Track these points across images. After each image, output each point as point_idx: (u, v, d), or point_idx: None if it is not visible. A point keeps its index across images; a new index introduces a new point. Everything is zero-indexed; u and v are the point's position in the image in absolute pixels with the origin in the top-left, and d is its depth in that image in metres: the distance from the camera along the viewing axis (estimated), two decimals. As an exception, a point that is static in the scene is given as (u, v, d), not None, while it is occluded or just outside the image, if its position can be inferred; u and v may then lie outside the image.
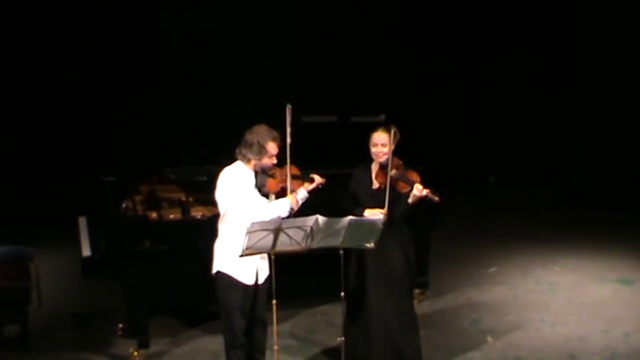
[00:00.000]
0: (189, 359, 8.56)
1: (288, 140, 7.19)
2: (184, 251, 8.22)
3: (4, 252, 8.90)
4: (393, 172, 7.34)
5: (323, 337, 9.00)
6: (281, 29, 15.59)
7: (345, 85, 16.09)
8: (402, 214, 7.44)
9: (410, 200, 7.29)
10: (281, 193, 7.29)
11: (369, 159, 7.59)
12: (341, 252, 7.15)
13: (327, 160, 8.46)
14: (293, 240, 6.79)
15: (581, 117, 15.48)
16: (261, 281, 7.21)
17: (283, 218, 7.11)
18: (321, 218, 6.92)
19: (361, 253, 7.51)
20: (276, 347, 7.13)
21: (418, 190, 7.23)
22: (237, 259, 6.95)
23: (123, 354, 8.52)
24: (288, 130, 7.20)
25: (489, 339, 8.87)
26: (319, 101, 16.01)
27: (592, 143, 15.31)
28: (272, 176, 7.23)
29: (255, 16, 15.29)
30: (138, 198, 9.03)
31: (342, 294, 7.31)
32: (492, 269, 11.36)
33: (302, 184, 7.37)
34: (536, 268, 11.40)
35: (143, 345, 8.35)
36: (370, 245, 7.13)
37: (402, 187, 7.34)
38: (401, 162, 7.46)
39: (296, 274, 7.37)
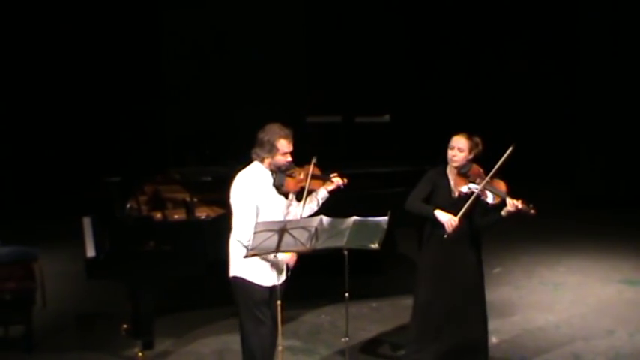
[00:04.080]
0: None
1: (307, 186, 7.17)
2: (189, 252, 8.22)
3: (9, 252, 8.90)
4: (478, 182, 7.18)
5: (327, 337, 9.00)
6: (286, 29, 15.59)
7: (351, 86, 16.09)
8: (490, 225, 7.37)
9: (504, 214, 7.14)
10: (300, 193, 7.26)
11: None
12: (345, 252, 7.15)
13: (332, 160, 8.42)
14: (297, 240, 6.77)
15: (586, 117, 15.46)
16: (279, 282, 7.13)
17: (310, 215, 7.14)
18: (325, 219, 6.91)
19: (434, 261, 7.47)
20: (280, 347, 7.12)
21: (512, 206, 7.04)
22: (254, 262, 6.93)
23: (127, 354, 8.53)
24: (309, 178, 7.18)
25: (494, 339, 8.85)
26: (324, 102, 16.02)
27: (597, 144, 15.29)
28: (291, 176, 7.19)
29: (260, 16, 15.28)
30: (142, 198, 9.04)
31: (347, 295, 7.30)
32: (497, 269, 11.36)
33: (322, 185, 7.35)
34: (541, 269, 11.40)
35: (148, 345, 8.35)
36: (375, 246, 7.12)
37: (493, 199, 7.20)
38: (481, 170, 7.31)
39: (300, 274, 7.35)
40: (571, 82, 15.89)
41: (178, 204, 8.86)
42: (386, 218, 7.15)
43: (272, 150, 7.03)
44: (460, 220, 7.18)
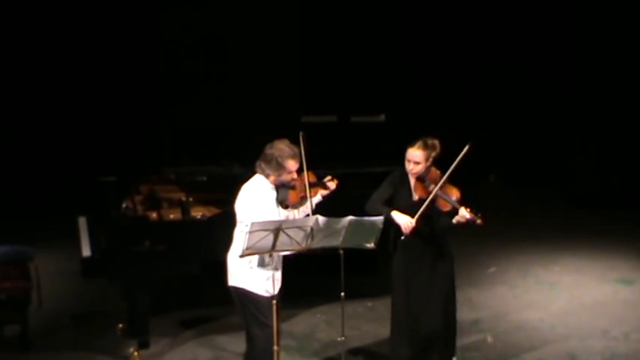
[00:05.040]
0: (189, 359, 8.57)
1: (305, 168, 7.13)
2: (184, 251, 8.21)
3: (5, 252, 8.90)
4: (432, 188, 7.24)
5: (323, 337, 9.01)
6: (281, 29, 15.59)
7: (346, 85, 16.09)
8: (442, 230, 7.39)
9: (454, 221, 7.19)
10: (299, 203, 7.26)
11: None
12: (341, 252, 7.15)
13: (327, 160, 8.42)
14: (293, 240, 6.76)
15: (582, 116, 15.49)
16: (275, 292, 7.12)
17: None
18: (321, 218, 6.90)
19: (405, 263, 7.49)
20: (275, 347, 7.11)
21: (462, 216, 7.09)
22: (253, 272, 6.92)
23: (123, 354, 8.52)
24: (304, 157, 7.12)
25: (489, 339, 8.88)
26: (319, 101, 16.03)
27: (593, 143, 15.32)
28: (293, 188, 7.18)
29: (255, 16, 15.28)
30: (138, 198, 9.03)
31: (342, 294, 7.31)
32: (492, 269, 11.37)
33: (318, 191, 7.36)
34: (536, 268, 11.40)
35: (143, 345, 8.34)
36: (370, 245, 7.13)
37: (444, 206, 7.21)
38: (439, 173, 7.34)
39: (296, 274, 7.35)
40: (568, 81, 15.91)
41: (174, 204, 8.85)
42: (382, 218, 7.16)
43: (279, 169, 6.95)
44: (417, 220, 7.22)
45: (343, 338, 7.54)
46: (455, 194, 7.26)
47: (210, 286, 7.69)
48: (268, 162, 6.98)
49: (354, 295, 8.31)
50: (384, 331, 9.09)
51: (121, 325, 8.93)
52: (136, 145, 14.84)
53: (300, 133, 7.09)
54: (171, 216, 8.61)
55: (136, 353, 8.32)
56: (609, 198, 15.03)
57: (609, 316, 9.60)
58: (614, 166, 15.23)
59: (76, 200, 9.91)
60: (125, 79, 15.14)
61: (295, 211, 7.27)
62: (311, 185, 7.23)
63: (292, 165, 6.98)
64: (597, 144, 15.28)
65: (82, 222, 9.01)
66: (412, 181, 7.44)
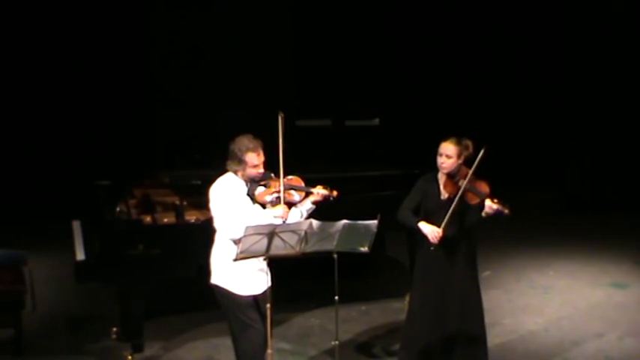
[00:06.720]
0: (182, 363, 8.58)
1: (281, 149, 7.12)
2: (178, 255, 8.22)
3: (-2, 256, 8.90)
4: (461, 183, 7.24)
5: (317, 340, 9.00)
6: (275, 33, 15.59)
7: (340, 89, 16.08)
8: (472, 225, 7.37)
9: (484, 214, 7.17)
10: (277, 202, 7.22)
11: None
12: (335, 256, 7.15)
13: (321, 164, 8.43)
14: (287, 244, 6.78)
15: (575, 120, 15.49)
16: (259, 292, 7.13)
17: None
18: (315, 222, 6.91)
19: (426, 265, 7.49)
20: (269, 351, 7.12)
21: (489, 207, 7.10)
22: (232, 271, 6.94)
23: (117, 358, 8.51)
24: (281, 138, 7.11)
25: (483, 343, 8.87)
26: (314, 105, 16.01)
27: (586, 147, 15.31)
28: (265, 186, 7.16)
29: (248, 20, 15.28)
30: (132, 202, 9.03)
31: (336, 298, 7.30)
32: (486, 273, 11.35)
33: (304, 196, 7.29)
34: (530, 272, 11.40)
35: (137, 349, 8.35)
36: (364, 249, 7.13)
37: (472, 199, 7.22)
38: (469, 171, 7.31)
39: (290, 278, 7.35)
40: (561, 85, 15.91)
41: (168, 207, 8.86)
42: (375, 222, 7.15)
43: (241, 163, 7.03)
44: (444, 229, 7.21)
45: (337, 342, 7.53)
46: (484, 188, 7.26)
47: (204, 289, 7.67)
48: (232, 158, 7.09)
49: (348, 299, 8.30)
50: (378, 335, 9.14)
51: (114, 329, 8.91)
52: (130, 148, 14.82)
53: (280, 113, 7.09)
54: (166, 220, 8.62)
55: (130, 357, 8.32)
56: (603, 202, 15.03)
57: (603, 319, 9.61)
58: (608, 170, 15.23)
59: (70, 204, 9.91)
60: (119, 83, 15.11)
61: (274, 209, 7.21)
62: (292, 188, 7.19)
63: (253, 158, 7.03)
64: (591, 148, 15.27)
65: (76, 226, 9.01)
66: (442, 179, 7.44)
